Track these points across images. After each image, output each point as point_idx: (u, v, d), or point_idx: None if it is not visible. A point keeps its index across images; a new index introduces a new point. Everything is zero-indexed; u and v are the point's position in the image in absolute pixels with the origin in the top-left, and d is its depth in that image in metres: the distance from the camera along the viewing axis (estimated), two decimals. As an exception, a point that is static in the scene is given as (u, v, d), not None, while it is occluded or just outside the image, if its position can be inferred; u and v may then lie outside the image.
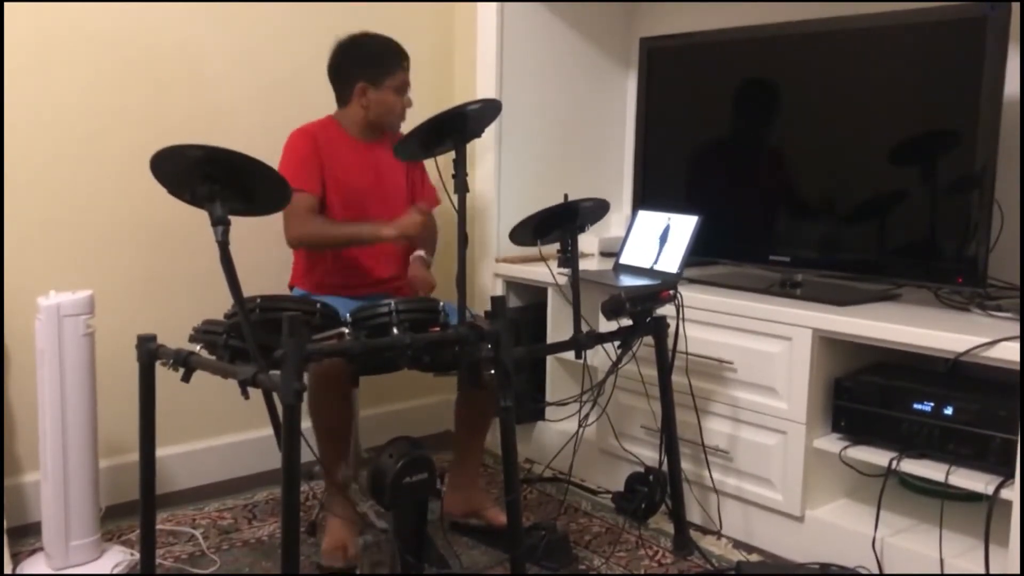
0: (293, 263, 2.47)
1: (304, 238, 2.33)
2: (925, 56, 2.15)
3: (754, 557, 2.26)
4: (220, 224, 1.61)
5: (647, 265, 2.53)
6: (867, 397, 2.10)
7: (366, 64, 2.37)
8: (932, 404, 1.99)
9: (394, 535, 1.85)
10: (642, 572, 2.17)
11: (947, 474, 1.93)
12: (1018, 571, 1.79)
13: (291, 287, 2.49)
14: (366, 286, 2.42)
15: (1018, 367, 1.79)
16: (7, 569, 2.07)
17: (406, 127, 2.03)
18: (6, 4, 2.23)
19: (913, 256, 2.19)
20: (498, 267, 2.91)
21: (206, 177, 1.61)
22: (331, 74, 2.44)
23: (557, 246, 2.21)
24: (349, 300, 2.29)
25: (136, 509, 1.95)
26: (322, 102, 2.47)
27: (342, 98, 2.43)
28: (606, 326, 2.31)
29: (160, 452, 1.99)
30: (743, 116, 2.55)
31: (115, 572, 2.11)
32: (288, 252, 2.45)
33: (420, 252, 2.46)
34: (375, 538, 2.27)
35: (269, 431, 2.30)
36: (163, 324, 2.32)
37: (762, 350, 2.22)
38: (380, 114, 2.40)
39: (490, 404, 2.35)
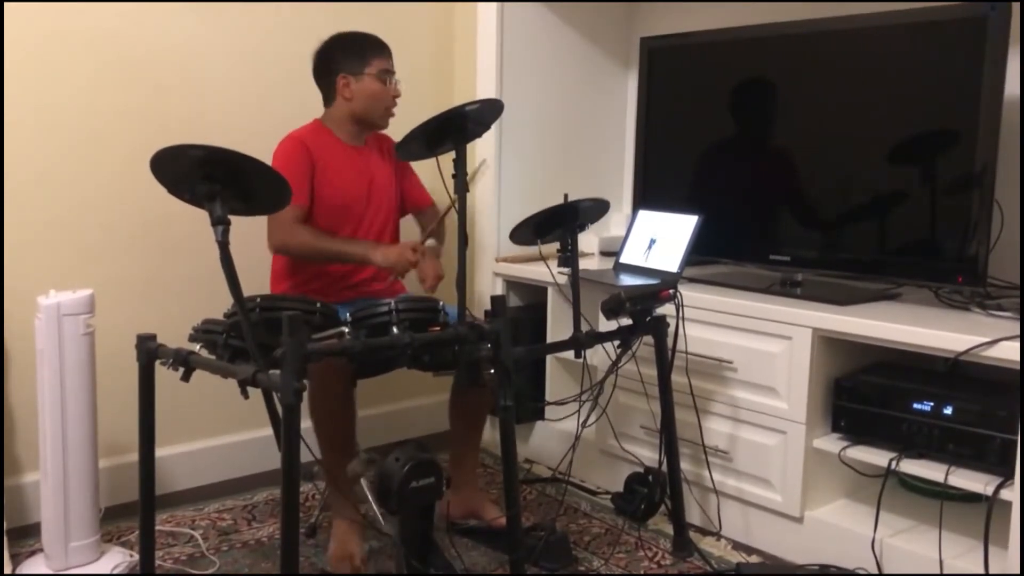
0: (272, 269, 2.45)
1: (289, 247, 2.31)
2: (925, 56, 2.15)
3: (753, 558, 2.26)
4: (220, 224, 1.61)
5: (647, 265, 2.53)
6: (867, 397, 2.10)
7: (344, 55, 2.38)
8: (932, 404, 1.99)
9: (400, 540, 1.84)
10: (641, 573, 2.17)
11: (946, 474, 1.92)
12: (1018, 572, 1.79)
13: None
14: (347, 289, 2.41)
15: (1018, 367, 1.79)
16: (7, 570, 2.07)
17: (404, 125, 2.02)
18: (6, 4, 2.23)
19: (913, 255, 2.19)
20: (498, 267, 2.91)
21: (206, 177, 1.61)
22: (315, 75, 2.44)
23: (557, 245, 2.21)
24: (339, 305, 2.27)
25: (135, 510, 1.94)
26: (320, 102, 2.47)
27: (327, 96, 2.43)
28: (606, 325, 2.31)
29: (160, 452, 1.99)
30: (743, 116, 2.55)
31: (114, 573, 2.11)
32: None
33: (432, 241, 2.44)
34: (381, 543, 2.27)
35: (269, 431, 2.30)
36: (163, 323, 2.32)
37: (762, 350, 2.22)
38: (365, 104, 2.38)
39: (485, 401, 2.35)
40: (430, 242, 2.44)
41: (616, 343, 2.16)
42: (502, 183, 2.91)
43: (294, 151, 2.33)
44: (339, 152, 2.40)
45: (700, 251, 2.49)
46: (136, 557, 2.15)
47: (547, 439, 2.87)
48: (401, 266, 2.26)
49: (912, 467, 1.99)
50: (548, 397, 2.84)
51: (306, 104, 2.51)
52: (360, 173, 2.42)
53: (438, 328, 1.89)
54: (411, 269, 2.29)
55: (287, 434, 1.58)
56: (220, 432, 2.71)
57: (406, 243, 2.31)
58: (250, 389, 1.70)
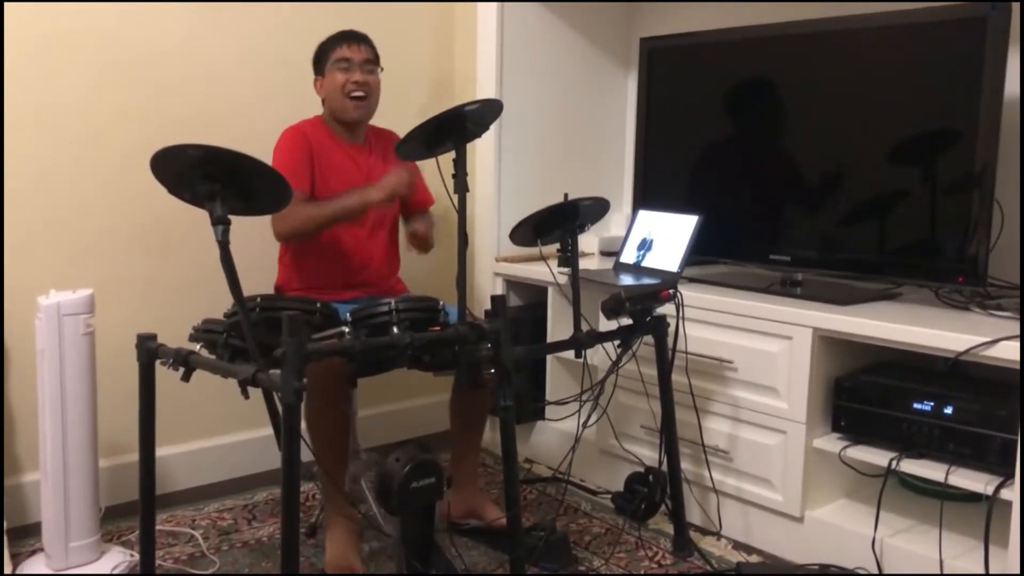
0: (279, 266, 2.45)
1: (294, 228, 2.29)
2: (925, 56, 2.15)
3: (754, 558, 2.26)
4: (220, 223, 1.61)
5: (647, 265, 2.53)
6: (867, 397, 2.10)
7: (315, 61, 2.44)
8: (932, 404, 1.99)
9: (401, 540, 1.84)
10: (642, 573, 2.17)
11: (947, 474, 1.92)
12: (1018, 572, 1.79)
13: (277, 289, 2.47)
14: (354, 285, 2.41)
15: (1018, 366, 1.79)
16: (7, 569, 2.07)
17: (405, 124, 2.03)
18: (6, 4, 2.23)
19: (913, 255, 2.19)
20: (498, 266, 2.91)
21: (206, 176, 1.61)
22: None
23: (557, 245, 2.21)
24: (340, 304, 2.27)
25: (136, 510, 1.94)
26: (320, 101, 2.47)
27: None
28: (606, 325, 2.31)
29: (160, 452, 1.99)
30: (743, 116, 2.55)
31: (115, 573, 2.11)
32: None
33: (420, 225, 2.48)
34: (381, 544, 2.27)
35: (269, 431, 2.31)
36: (163, 323, 2.32)
37: (762, 349, 2.22)
38: (331, 97, 2.39)
39: (485, 401, 2.35)
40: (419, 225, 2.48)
41: (616, 343, 2.16)
42: (502, 183, 2.91)
43: (295, 140, 2.35)
44: (336, 147, 2.41)
45: (700, 251, 2.49)
46: (136, 557, 2.15)
47: (547, 439, 2.87)
48: (401, 188, 2.27)
49: (912, 467, 1.99)
50: (548, 397, 2.84)
51: (306, 103, 2.51)
52: (357, 168, 2.43)
53: (438, 328, 1.89)
54: (409, 188, 2.30)
55: (287, 434, 1.58)
56: (220, 432, 2.71)
57: (397, 169, 2.31)
58: (250, 389, 1.70)
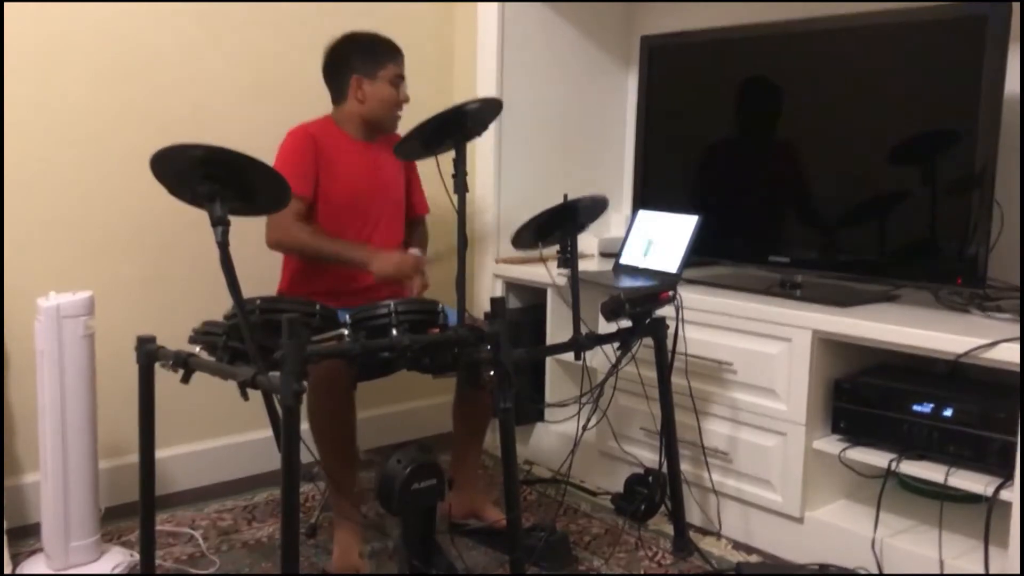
0: (282, 269, 2.44)
1: (285, 243, 2.30)
2: (925, 56, 2.15)
3: (754, 558, 2.26)
4: (220, 224, 1.61)
5: (646, 266, 2.53)
6: (867, 398, 2.10)
7: (359, 57, 2.38)
8: (932, 406, 1.99)
9: (402, 541, 1.84)
10: (642, 573, 2.17)
11: (946, 475, 1.93)
12: (1018, 572, 1.79)
13: (280, 293, 2.46)
14: (356, 293, 2.41)
15: (1018, 368, 1.79)
16: (7, 569, 2.07)
17: (404, 124, 2.03)
18: (6, 4, 2.23)
19: (913, 257, 2.19)
20: (497, 268, 2.91)
21: (206, 177, 1.61)
22: (325, 72, 2.44)
23: (557, 247, 2.21)
24: (340, 310, 2.27)
25: (136, 510, 1.95)
26: (321, 101, 2.47)
27: (337, 95, 2.43)
28: (605, 327, 2.31)
29: (160, 453, 1.99)
30: (744, 115, 2.55)
31: (115, 573, 2.11)
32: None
33: (415, 250, 2.43)
34: (383, 544, 2.27)
35: (269, 432, 2.31)
36: (163, 325, 2.32)
37: (762, 351, 2.22)
38: (376, 107, 2.39)
39: (488, 404, 2.35)
40: (413, 250, 2.44)
41: (616, 345, 2.16)
42: (502, 183, 2.91)
43: (300, 142, 2.33)
44: (348, 147, 2.40)
45: (699, 252, 2.49)
46: (136, 557, 2.15)
47: (547, 441, 2.87)
48: (399, 275, 2.25)
49: (912, 468, 1.99)
50: (548, 399, 2.84)
51: (306, 103, 2.51)
52: (369, 167, 2.42)
53: (437, 330, 1.89)
54: (408, 280, 2.29)
55: (287, 435, 1.58)
56: (220, 433, 2.71)
57: (408, 255, 2.31)
58: (250, 390, 1.70)
